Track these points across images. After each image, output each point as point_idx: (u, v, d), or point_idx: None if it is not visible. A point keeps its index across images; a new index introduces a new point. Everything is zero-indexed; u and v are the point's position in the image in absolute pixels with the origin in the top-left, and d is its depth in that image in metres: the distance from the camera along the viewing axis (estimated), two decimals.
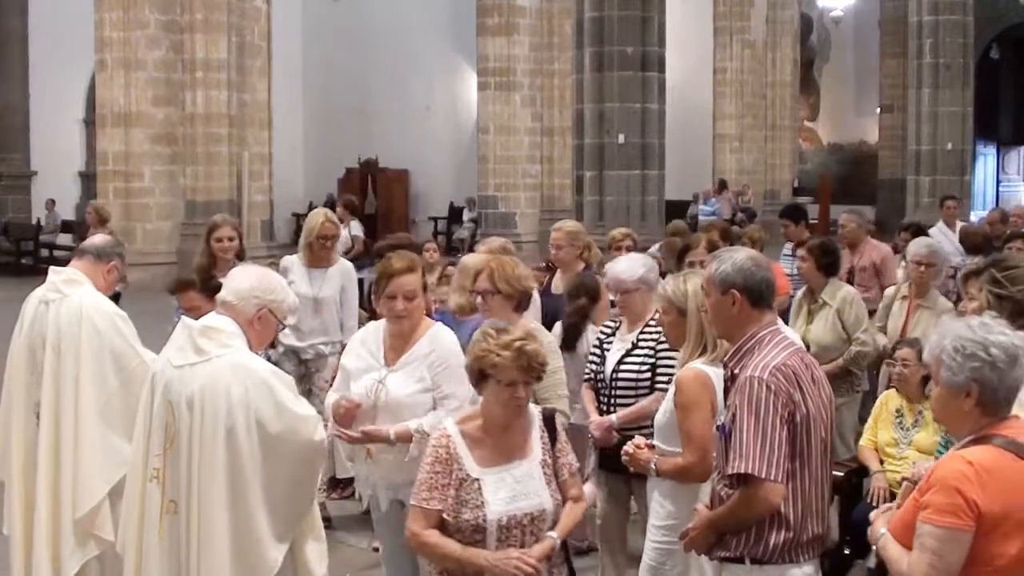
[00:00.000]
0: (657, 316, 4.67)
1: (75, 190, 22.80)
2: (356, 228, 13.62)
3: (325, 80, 25.72)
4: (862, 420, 6.00)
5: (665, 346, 4.62)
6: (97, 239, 4.84)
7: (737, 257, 3.40)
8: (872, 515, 3.08)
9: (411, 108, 24.37)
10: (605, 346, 4.91)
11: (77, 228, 16.70)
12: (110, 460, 4.31)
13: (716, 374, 3.71)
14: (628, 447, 3.92)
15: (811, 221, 20.75)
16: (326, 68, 25.58)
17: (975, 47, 20.29)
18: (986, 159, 26.62)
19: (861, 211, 11.43)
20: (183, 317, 3.82)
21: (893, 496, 4.66)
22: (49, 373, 4.40)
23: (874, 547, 3.01)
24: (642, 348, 4.70)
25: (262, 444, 3.47)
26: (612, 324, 4.99)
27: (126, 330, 4.47)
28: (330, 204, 26.25)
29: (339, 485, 7.13)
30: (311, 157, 26.54)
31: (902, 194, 20.18)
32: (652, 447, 3.87)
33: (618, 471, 4.40)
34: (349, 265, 6.64)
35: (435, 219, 24.61)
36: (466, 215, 23.24)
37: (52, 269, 4.68)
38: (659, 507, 3.86)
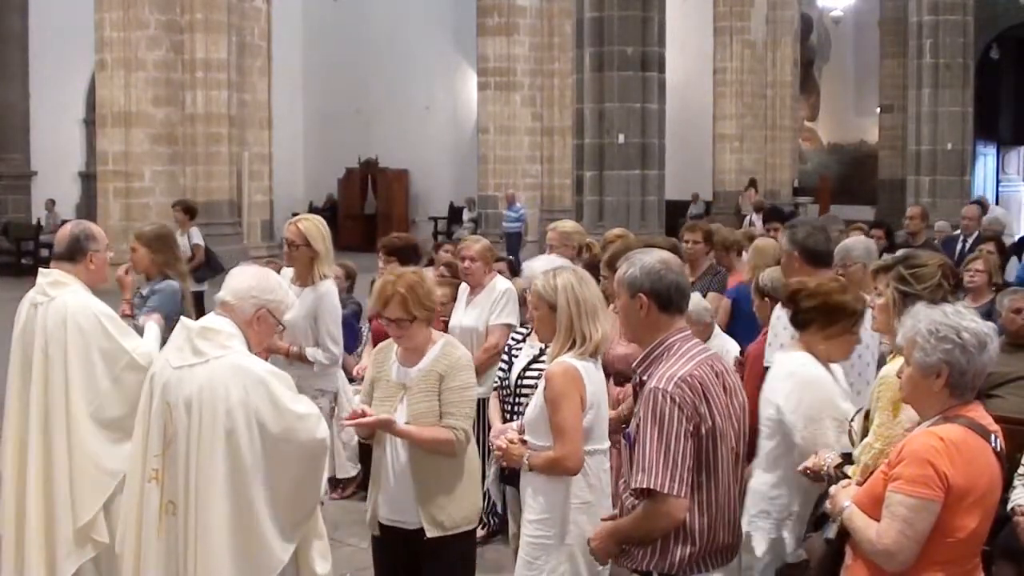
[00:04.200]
0: None
1: (75, 190, 22.81)
2: (196, 235, 12.33)
3: (325, 80, 25.73)
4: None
5: None
6: (60, 240, 4.65)
7: (647, 260, 3.33)
8: (832, 490, 3.17)
9: (411, 108, 24.38)
10: (514, 352, 4.81)
11: None
12: (105, 467, 4.31)
13: (585, 368, 3.73)
14: (501, 441, 3.87)
15: None
16: (326, 68, 25.59)
17: (975, 47, 20.27)
18: (986, 159, 26.56)
19: (835, 215, 11.51)
20: (182, 317, 3.82)
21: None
22: (38, 377, 4.41)
23: (834, 520, 3.10)
24: (548, 355, 4.61)
25: (264, 445, 3.47)
26: (523, 330, 4.87)
27: (112, 328, 4.45)
28: (330, 205, 26.33)
29: (339, 485, 7.14)
30: (311, 157, 26.56)
31: (902, 194, 20.17)
32: (525, 442, 3.84)
33: (517, 483, 4.31)
34: (328, 288, 5.62)
35: (435, 219, 24.63)
36: (466, 215, 23.25)
37: (40, 271, 4.65)
38: (532, 502, 3.82)
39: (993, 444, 2.92)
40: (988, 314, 6.73)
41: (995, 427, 2.97)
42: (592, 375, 3.74)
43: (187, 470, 3.48)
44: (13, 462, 4.51)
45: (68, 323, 4.37)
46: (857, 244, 6.50)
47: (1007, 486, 4.47)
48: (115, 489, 4.25)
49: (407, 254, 6.28)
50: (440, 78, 24.59)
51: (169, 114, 15.95)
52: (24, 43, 22.71)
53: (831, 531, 3.14)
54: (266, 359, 4.73)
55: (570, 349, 3.77)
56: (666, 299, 3.29)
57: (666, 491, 3.11)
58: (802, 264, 4.62)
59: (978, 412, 2.96)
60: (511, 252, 17.61)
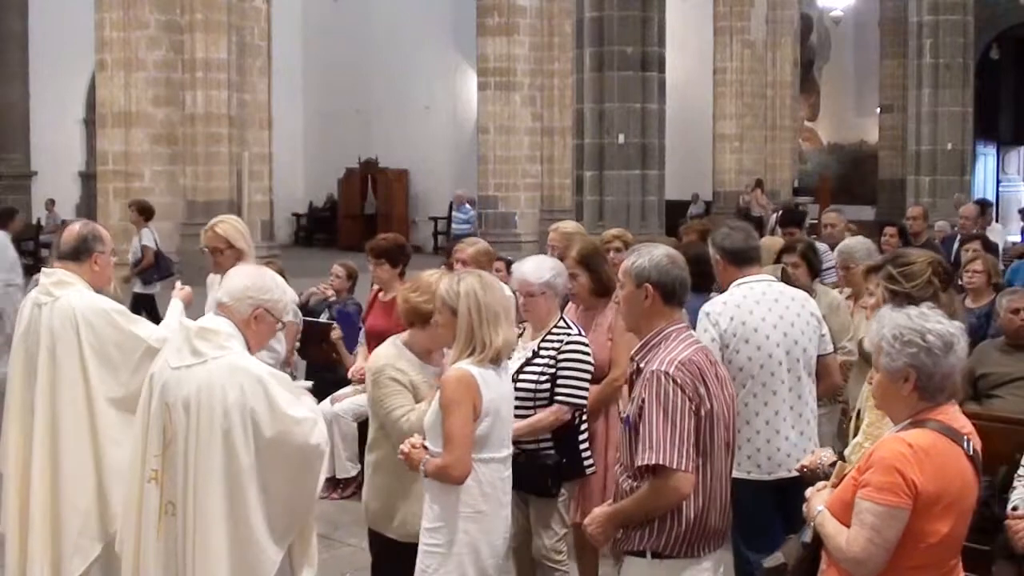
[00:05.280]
0: (560, 323, 4.66)
1: (75, 190, 22.81)
2: (147, 237, 11.82)
3: (325, 80, 25.72)
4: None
5: (566, 355, 4.55)
6: (66, 240, 4.65)
7: (655, 252, 3.49)
8: (808, 492, 3.17)
9: (411, 108, 24.36)
10: None
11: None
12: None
13: (483, 375, 3.69)
14: (404, 446, 3.83)
15: (811, 221, 20.83)
16: (326, 68, 25.58)
17: (975, 47, 20.27)
18: (986, 159, 26.55)
19: (841, 209, 11.45)
20: (181, 318, 3.81)
21: None
22: (44, 377, 4.39)
23: (810, 523, 3.09)
24: (543, 357, 4.56)
25: (257, 446, 3.47)
26: (515, 330, 4.90)
27: (122, 320, 4.44)
28: (330, 205, 26.33)
29: (339, 485, 7.14)
30: (311, 157, 26.55)
31: (902, 194, 20.18)
32: (426, 447, 3.81)
33: (515, 486, 4.37)
34: None
35: (435, 219, 24.61)
36: None
37: (43, 271, 4.63)
38: (428, 509, 3.80)
39: (965, 448, 2.89)
40: (989, 314, 6.73)
41: (968, 430, 2.95)
42: (491, 382, 3.70)
43: (186, 471, 3.48)
44: (16, 462, 4.51)
45: (79, 322, 4.36)
46: (858, 246, 6.46)
47: (1007, 486, 4.48)
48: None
49: (395, 255, 6.21)
50: (440, 78, 24.57)
51: (169, 114, 15.96)
52: (24, 43, 22.71)
53: (807, 535, 3.14)
54: None
55: (470, 355, 3.73)
56: (670, 291, 3.43)
57: (674, 466, 3.22)
58: (726, 265, 4.72)
59: (950, 415, 2.93)
60: None
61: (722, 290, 4.78)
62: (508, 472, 3.86)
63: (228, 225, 5.47)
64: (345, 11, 25.19)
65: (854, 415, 3.74)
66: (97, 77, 16.29)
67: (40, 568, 4.35)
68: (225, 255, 5.31)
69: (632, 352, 3.49)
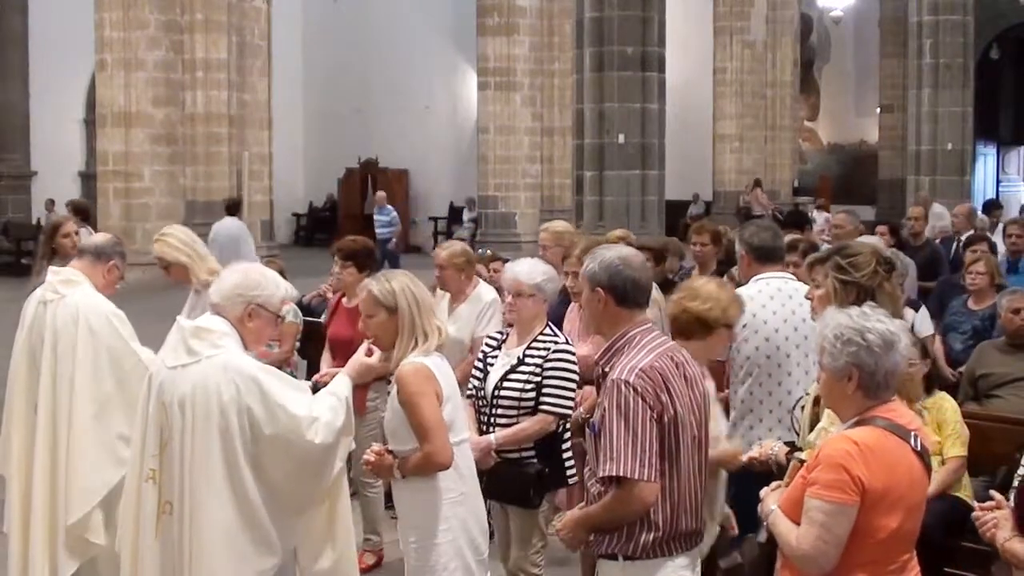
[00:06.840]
0: (546, 331, 4.61)
1: (75, 190, 22.78)
2: (84, 237, 11.68)
3: (325, 80, 25.73)
4: None
5: (552, 364, 4.50)
6: (97, 238, 4.82)
7: (607, 255, 3.45)
8: (762, 492, 3.20)
9: (411, 108, 24.37)
10: (489, 360, 4.70)
11: None
12: (105, 465, 4.31)
13: (435, 363, 3.73)
14: (368, 455, 3.81)
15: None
16: (326, 68, 25.58)
17: (975, 47, 20.28)
18: (986, 159, 26.55)
19: (854, 211, 11.44)
20: (178, 318, 3.82)
21: None
22: (47, 374, 4.42)
23: (765, 523, 3.12)
24: (528, 365, 4.52)
25: (256, 444, 3.46)
26: (498, 336, 4.81)
27: (123, 330, 4.46)
28: (330, 205, 26.34)
29: None
30: (311, 157, 26.56)
31: (902, 194, 20.18)
32: (392, 452, 3.78)
33: (496, 496, 4.43)
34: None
35: (435, 219, 24.62)
36: (466, 215, 23.24)
37: (51, 269, 4.68)
38: (410, 507, 3.82)
39: (913, 443, 2.94)
40: (993, 316, 6.72)
41: (915, 426, 3.00)
42: (442, 369, 3.76)
43: (182, 470, 3.48)
44: (19, 462, 4.52)
45: (79, 322, 4.39)
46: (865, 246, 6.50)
47: (1007, 486, 4.48)
48: (113, 492, 4.24)
49: (363, 258, 5.99)
50: (440, 78, 24.58)
51: (169, 114, 15.95)
52: (24, 43, 22.71)
53: (763, 535, 3.15)
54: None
55: (414, 348, 3.75)
56: (622, 294, 3.38)
57: (636, 477, 3.19)
58: (751, 262, 4.89)
59: (897, 412, 2.99)
60: (382, 260, 17.29)
61: (742, 284, 4.94)
62: (471, 453, 3.97)
63: (162, 242, 5.29)
64: (345, 11, 25.19)
65: (811, 401, 3.78)
66: (97, 77, 16.28)
67: (41, 567, 4.36)
68: (172, 270, 5.22)
69: (596, 356, 3.48)
